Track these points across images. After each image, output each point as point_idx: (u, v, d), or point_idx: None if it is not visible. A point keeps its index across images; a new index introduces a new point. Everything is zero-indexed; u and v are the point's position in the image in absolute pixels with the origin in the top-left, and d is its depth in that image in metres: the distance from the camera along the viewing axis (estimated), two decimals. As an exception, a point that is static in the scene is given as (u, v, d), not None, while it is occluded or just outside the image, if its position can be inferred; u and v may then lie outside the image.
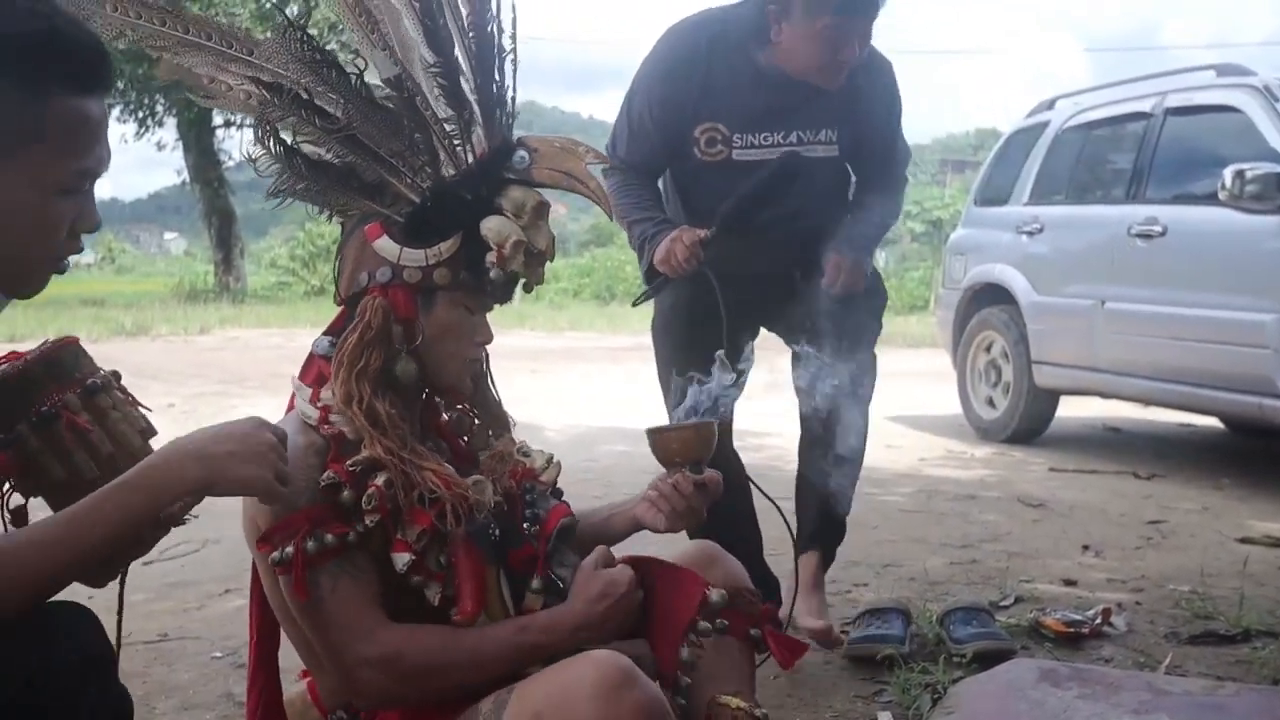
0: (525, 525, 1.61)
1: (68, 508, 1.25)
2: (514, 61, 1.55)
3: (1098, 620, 2.87)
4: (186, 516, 1.39)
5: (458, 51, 1.51)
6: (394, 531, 1.46)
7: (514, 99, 1.57)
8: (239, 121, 21.73)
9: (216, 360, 9.91)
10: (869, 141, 2.74)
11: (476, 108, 1.53)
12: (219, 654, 2.72)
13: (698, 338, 2.45)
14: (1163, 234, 5.23)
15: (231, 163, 22.75)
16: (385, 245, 1.53)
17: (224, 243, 20.98)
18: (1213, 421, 6.47)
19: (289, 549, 1.42)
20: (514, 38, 1.54)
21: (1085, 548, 3.83)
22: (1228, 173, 4.70)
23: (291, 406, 1.61)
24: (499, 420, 1.72)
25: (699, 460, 1.72)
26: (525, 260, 1.54)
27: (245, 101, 1.53)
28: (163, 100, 19.67)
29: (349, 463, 1.46)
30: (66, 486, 1.35)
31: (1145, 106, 5.71)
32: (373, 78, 1.52)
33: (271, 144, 1.50)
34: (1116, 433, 6.69)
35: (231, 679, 2.57)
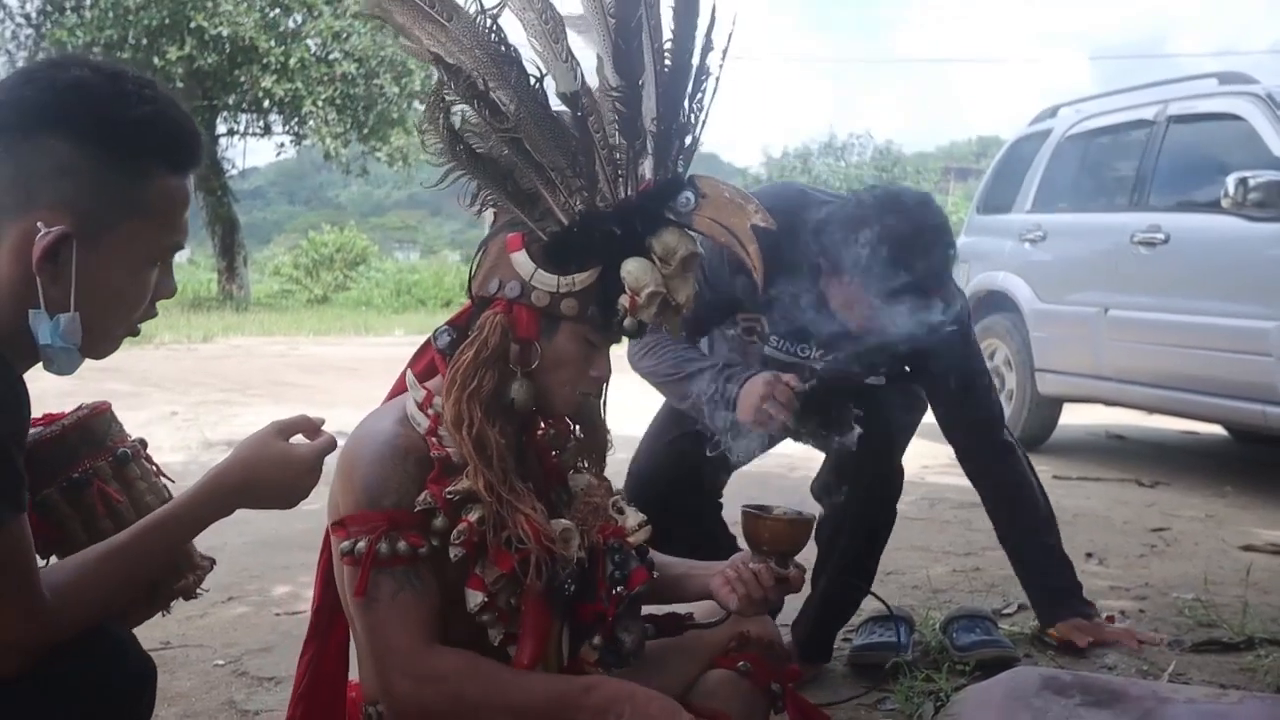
0: (607, 585, 1.56)
1: (118, 535, 1.34)
2: (714, 90, 1.46)
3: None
4: (199, 590, 1.50)
5: (645, 78, 1.44)
6: (473, 565, 1.45)
7: (700, 131, 1.48)
8: (242, 130, 21.87)
9: (220, 368, 9.91)
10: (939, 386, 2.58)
11: (650, 140, 1.46)
12: (221, 662, 2.71)
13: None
14: (1166, 241, 5.23)
15: (235, 171, 22.84)
16: (521, 261, 1.47)
17: (227, 251, 21.01)
18: (1216, 429, 6.46)
19: (361, 544, 1.41)
20: (721, 64, 1.44)
21: (1089, 555, 3.81)
22: (1231, 180, 4.70)
23: (395, 392, 1.60)
24: (598, 445, 1.67)
25: (787, 554, 1.64)
26: (659, 311, 1.48)
27: (430, 60, 1.46)
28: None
29: (448, 491, 1.43)
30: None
31: (1148, 114, 5.72)
32: (550, 87, 1.45)
33: (441, 125, 1.44)
34: (1120, 440, 6.68)
35: (234, 687, 2.57)
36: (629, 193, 1.46)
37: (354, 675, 1.67)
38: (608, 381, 1.60)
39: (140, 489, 1.48)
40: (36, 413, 1.47)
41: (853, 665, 2.66)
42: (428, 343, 1.60)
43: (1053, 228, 6.12)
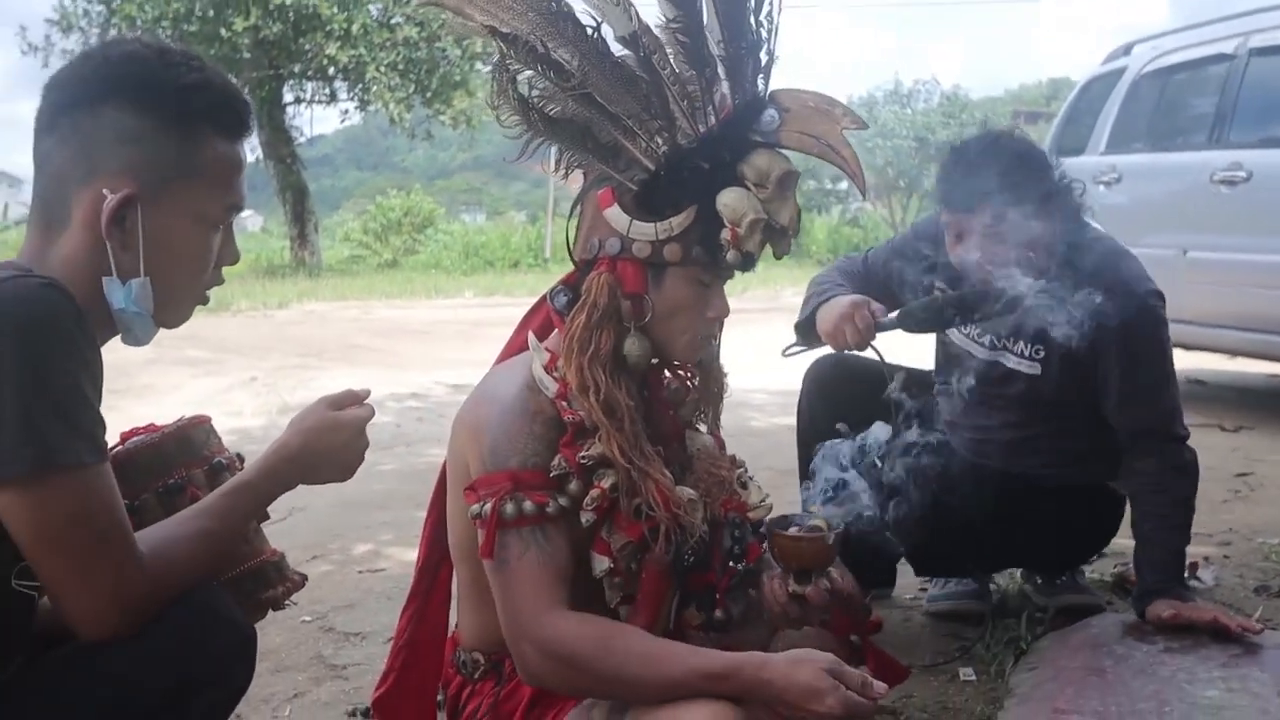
0: (723, 557, 1.56)
1: (202, 503, 1.39)
2: (779, 2, 1.41)
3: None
4: (287, 602, 1.57)
5: (702, 2, 1.40)
6: (600, 529, 1.45)
7: (774, 44, 1.42)
8: (308, 98, 22.06)
9: (295, 334, 10.08)
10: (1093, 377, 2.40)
11: (720, 64, 1.42)
12: (308, 618, 2.79)
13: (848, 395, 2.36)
14: (1247, 179, 5.07)
15: (303, 139, 23.07)
16: (615, 215, 1.45)
17: (298, 218, 21.26)
18: (1302, 371, 6.29)
19: (487, 506, 1.42)
20: None
21: (1170, 501, 3.74)
22: (1317, 113, 4.54)
23: (510, 351, 1.61)
24: (715, 394, 1.64)
25: (803, 571, 1.54)
26: (765, 238, 1.44)
27: (486, 34, 1.43)
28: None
29: (581, 455, 1.43)
30: None
31: (1228, 48, 5.53)
32: (608, 34, 1.41)
33: (511, 96, 1.41)
34: (1202, 385, 6.53)
35: (321, 641, 2.64)
36: (710, 123, 1.43)
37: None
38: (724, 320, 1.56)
39: None
40: (140, 422, 1.57)
41: (931, 614, 2.65)
42: (542, 300, 1.59)
43: (1128, 169, 5.96)
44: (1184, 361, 6.74)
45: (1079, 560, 2.67)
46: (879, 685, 1.33)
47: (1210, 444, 4.81)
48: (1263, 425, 5.24)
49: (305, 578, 1.63)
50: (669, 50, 1.43)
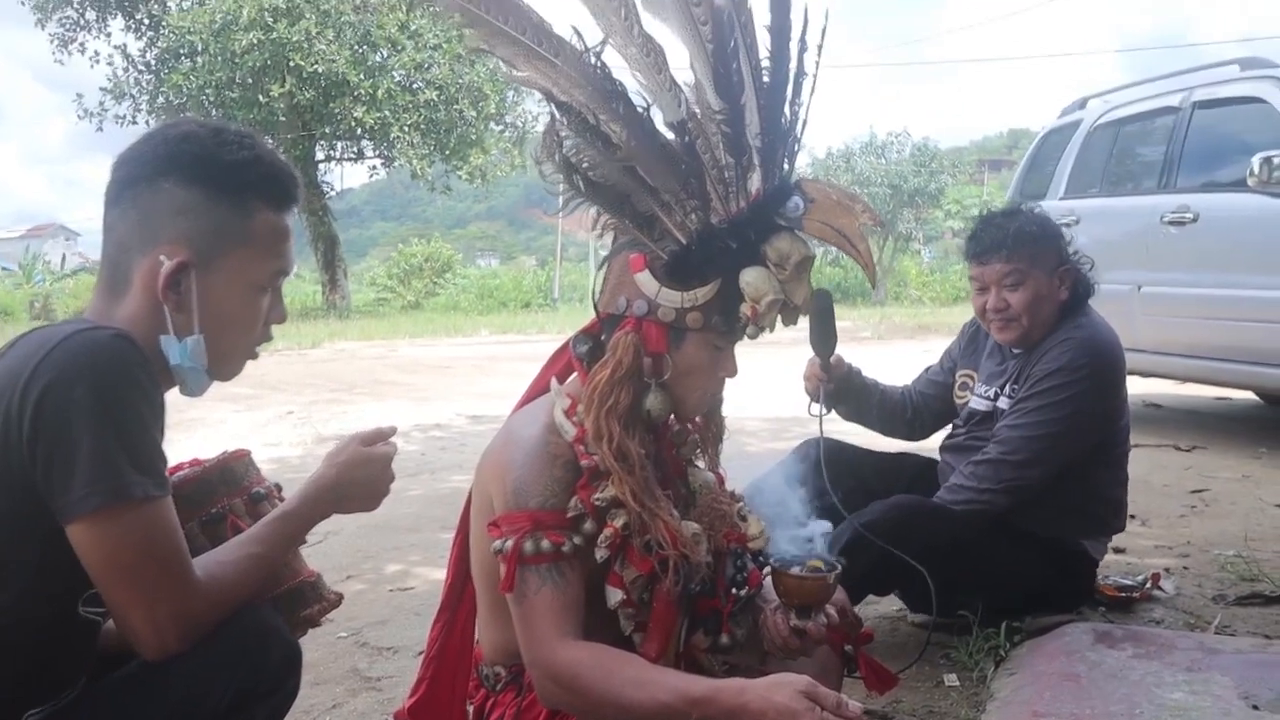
0: (727, 585, 1.55)
1: (249, 531, 1.41)
2: (812, 88, 1.40)
3: (1148, 585, 2.79)
4: (323, 619, 1.57)
5: (746, 94, 1.39)
6: (613, 563, 1.45)
7: (802, 131, 1.42)
8: (338, 156, 22.19)
9: (327, 371, 10.09)
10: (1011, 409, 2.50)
11: (756, 154, 1.41)
12: (344, 634, 2.76)
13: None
14: (1194, 220, 5.08)
15: (333, 193, 23.16)
16: (645, 280, 1.44)
17: (329, 265, 21.35)
18: (1248, 395, 6.28)
19: (509, 543, 1.41)
20: (818, 61, 1.39)
21: (1132, 516, 3.70)
22: (1256, 160, 4.57)
23: (533, 393, 1.59)
24: (715, 433, 1.63)
25: (805, 607, 1.53)
26: (779, 314, 1.44)
27: (542, 93, 1.42)
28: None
29: (595, 497, 1.43)
30: None
31: (1174, 101, 5.56)
32: (657, 116, 1.40)
33: (557, 157, 1.40)
34: (1157, 409, 6.51)
35: (356, 656, 2.62)
36: (740, 205, 1.42)
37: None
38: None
39: None
40: (185, 455, 1.57)
41: (916, 624, 2.63)
42: (565, 346, 1.58)
43: (1085, 212, 5.97)
44: (1140, 387, 6.75)
45: (1044, 609, 2.53)
46: (853, 705, 1.32)
47: (1166, 462, 4.80)
48: (1214, 445, 5.22)
49: (341, 596, 1.63)
50: (712, 138, 1.42)
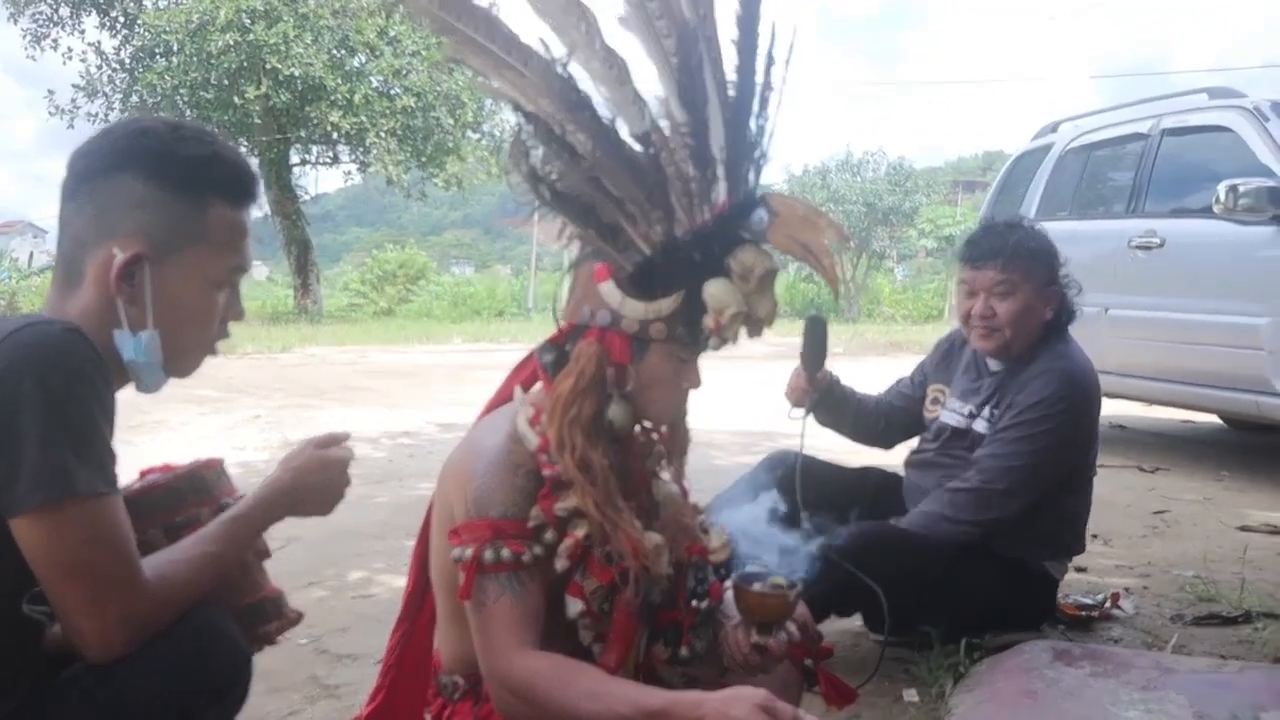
0: (687, 597, 1.55)
1: (203, 530, 1.39)
2: (778, 102, 1.39)
3: (1107, 604, 2.82)
4: (280, 638, 1.56)
5: (710, 107, 1.38)
6: (574, 573, 1.44)
7: (768, 144, 1.42)
8: (314, 160, 22.08)
9: (297, 375, 10.00)
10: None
11: (721, 167, 1.40)
12: (304, 641, 2.73)
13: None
14: (1161, 245, 5.16)
15: (307, 197, 23.03)
16: (609, 290, 1.43)
17: (302, 269, 21.21)
18: (1212, 418, 6.36)
19: (469, 551, 1.40)
20: (785, 76, 1.38)
21: (1094, 536, 3.75)
22: (1222, 188, 4.64)
23: (498, 401, 1.58)
24: (680, 444, 1.61)
25: (766, 624, 1.52)
26: (743, 326, 1.44)
27: (509, 103, 1.42)
28: (245, 143, 20.00)
29: (557, 507, 1.42)
30: None
31: (1143, 128, 5.64)
32: (622, 128, 1.40)
33: (523, 168, 1.40)
34: (1122, 430, 6.59)
35: (316, 663, 2.59)
36: (705, 217, 1.41)
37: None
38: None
39: None
40: (150, 459, 1.56)
41: (878, 641, 2.64)
42: (530, 356, 1.58)
43: (1055, 235, 5.84)
44: (1106, 408, 6.75)
45: (1005, 627, 2.55)
46: (810, 718, 1.32)
47: (1129, 483, 4.86)
48: (1177, 467, 5.28)
49: (301, 615, 1.61)
50: (676, 150, 1.41)
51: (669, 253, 1.41)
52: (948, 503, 2.47)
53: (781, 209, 1.42)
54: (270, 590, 1.56)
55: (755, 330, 1.46)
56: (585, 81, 1.40)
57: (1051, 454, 2.47)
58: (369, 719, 1.73)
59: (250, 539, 1.46)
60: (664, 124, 1.41)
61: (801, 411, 2.61)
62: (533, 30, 1.41)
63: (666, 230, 1.41)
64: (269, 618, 1.54)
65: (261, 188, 1.44)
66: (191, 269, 1.34)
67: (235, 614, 1.45)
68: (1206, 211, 4.82)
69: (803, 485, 2.43)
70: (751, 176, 1.43)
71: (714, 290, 1.40)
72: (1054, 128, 6.70)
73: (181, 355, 1.38)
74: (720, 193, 1.42)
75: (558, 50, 1.39)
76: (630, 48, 1.40)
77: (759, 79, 1.39)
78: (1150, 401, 5.80)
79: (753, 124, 1.41)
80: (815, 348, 2.48)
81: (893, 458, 2.93)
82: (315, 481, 1.49)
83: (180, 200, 1.32)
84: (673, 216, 1.41)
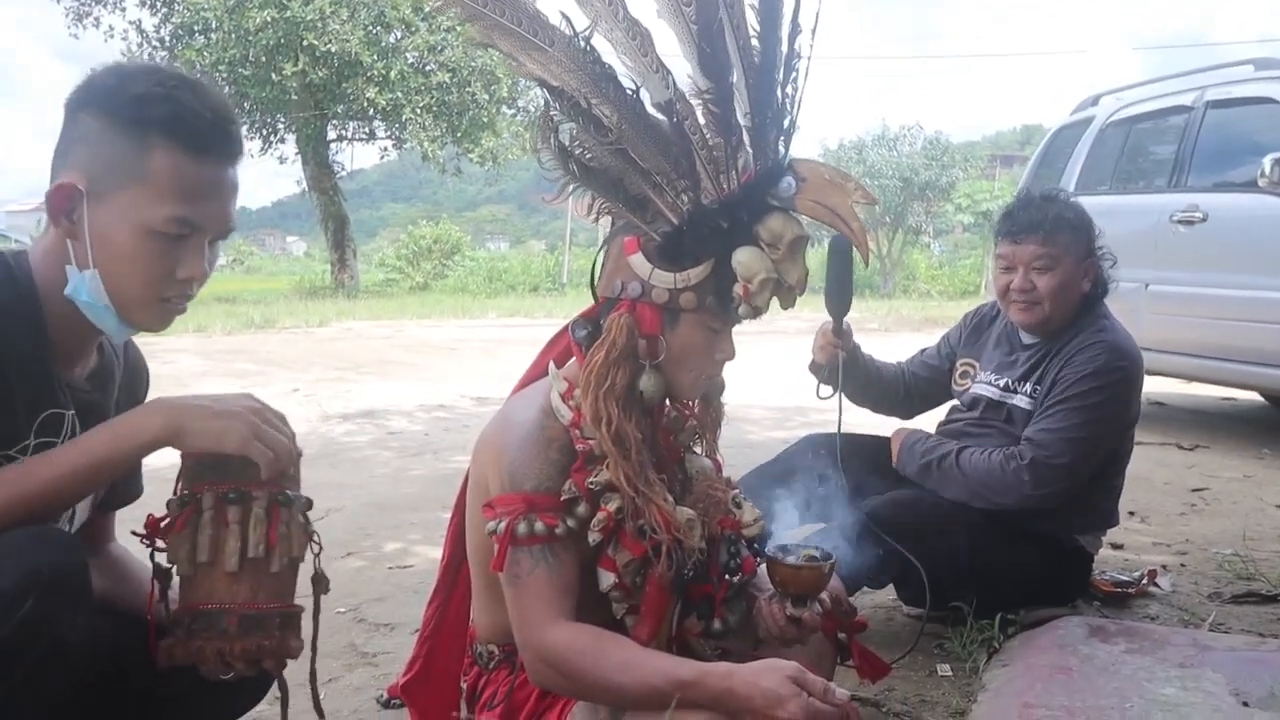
0: (720, 570, 1.55)
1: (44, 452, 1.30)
2: (806, 71, 1.39)
3: (1144, 581, 2.80)
4: (267, 666, 1.37)
5: (734, 75, 1.39)
6: (607, 547, 1.45)
7: (796, 113, 1.42)
8: (350, 136, 22.16)
9: (334, 349, 10.08)
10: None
11: (746, 134, 1.41)
12: (342, 609, 2.77)
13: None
14: (1204, 220, 5.07)
15: (344, 173, 23.14)
16: (638, 262, 1.44)
17: (339, 244, 21.33)
18: (1253, 395, 6.26)
19: (502, 524, 1.41)
20: (811, 44, 1.38)
21: (1131, 514, 3.72)
22: (1267, 161, 4.56)
23: (532, 376, 1.59)
24: (713, 420, 1.62)
25: (801, 596, 1.54)
26: (773, 294, 1.43)
27: (536, 82, 1.43)
28: (283, 119, 20.10)
29: (590, 481, 1.43)
30: (197, 570, 1.34)
31: (1186, 100, 5.53)
32: (645, 98, 1.40)
33: (552, 143, 1.40)
34: (1161, 407, 6.50)
35: (354, 632, 2.63)
36: (732, 186, 1.41)
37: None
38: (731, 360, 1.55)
39: (281, 534, 1.37)
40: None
41: (911, 615, 2.63)
42: (564, 331, 1.58)
43: (1095, 209, 5.80)
44: (1146, 385, 6.68)
45: (1039, 602, 2.52)
46: (840, 692, 1.32)
47: (1168, 461, 4.80)
48: (1217, 444, 5.21)
49: (301, 646, 1.43)
50: (700, 117, 1.41)
51: (696, 222, 1.41)
52: (999, 475, 2.40)
53: (808, 174, 1.41)
54: (287, 606, 1.40)
55: (786, 299, 1.46)
56: (610, 55, 1.40)
57: (1107, 425, 2.45)
58: (405, 687, 1.76)
59: (100, 450, 1.30)
60: (687, 92, 1.41)
61: (828, 390, 2.55)
62: (553, 4, 1.41)
63: (694, 200, 1.41)
64: (270, 632, 1.36)
65: (236, 143, 1.36)
66: (127, 209, 1.29)
67: (235, 616, 1.34)
68: (1251, 185, 4.73)
69: (844, 458, 2.42)
70: (781, 146, 1.42)
71: (743, 258, 1.40)
72: (1094, 101, 6.59)
73: (131, 304, 1.33)
74: (747, 161, 1.41)
75: (581, 23, 1.39)
76: (653, 19, 1.39)
77: (784, 47, 1.38)
78: (1190, 378, 5.71)
79: (779, 92, 1.40)
80: (841, 280, 2.37)
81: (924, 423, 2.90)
82: (206, 399, 1.35)
83: (122, 137, 1.29)
84: (699, 186, 1.41)
